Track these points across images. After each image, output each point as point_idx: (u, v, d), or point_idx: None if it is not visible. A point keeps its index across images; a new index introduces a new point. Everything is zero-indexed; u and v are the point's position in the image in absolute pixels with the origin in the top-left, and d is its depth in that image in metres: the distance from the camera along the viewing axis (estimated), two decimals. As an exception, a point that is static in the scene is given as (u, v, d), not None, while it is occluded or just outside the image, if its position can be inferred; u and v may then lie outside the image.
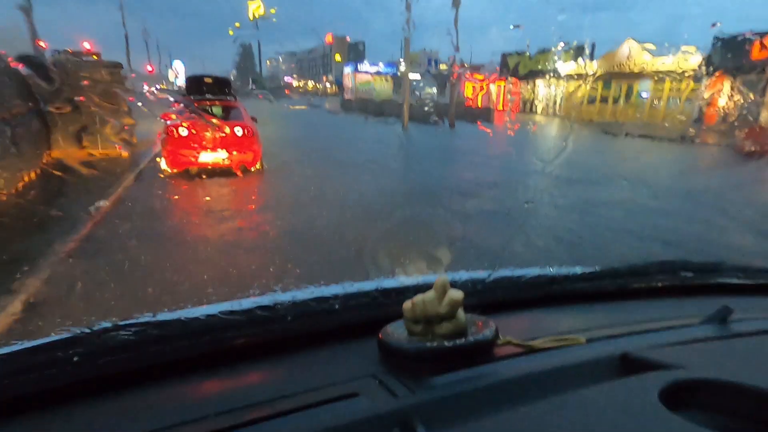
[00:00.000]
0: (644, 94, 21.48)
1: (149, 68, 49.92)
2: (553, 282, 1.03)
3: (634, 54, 21.02)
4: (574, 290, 1.04)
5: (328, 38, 76.59)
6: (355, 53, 73.12)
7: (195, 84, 8.57)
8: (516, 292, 1.00)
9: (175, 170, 7.39)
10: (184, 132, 7.37)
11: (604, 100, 23.22)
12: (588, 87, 23.92)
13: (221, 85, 8.65)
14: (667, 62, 19.96)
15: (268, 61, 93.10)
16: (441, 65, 33.92)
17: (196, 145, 7.33)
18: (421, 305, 0.70)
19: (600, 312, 1.00)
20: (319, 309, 0.81)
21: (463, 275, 0.99)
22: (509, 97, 30.97)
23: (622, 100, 22.33)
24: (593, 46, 24.46)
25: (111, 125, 8.30)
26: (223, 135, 7.46)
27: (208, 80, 8.67)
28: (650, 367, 0.64)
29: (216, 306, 0.76)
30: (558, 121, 23.76)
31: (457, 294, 0.70)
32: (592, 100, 24.07)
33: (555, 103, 26.80)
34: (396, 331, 0.73)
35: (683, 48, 19.33)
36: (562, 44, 25.30)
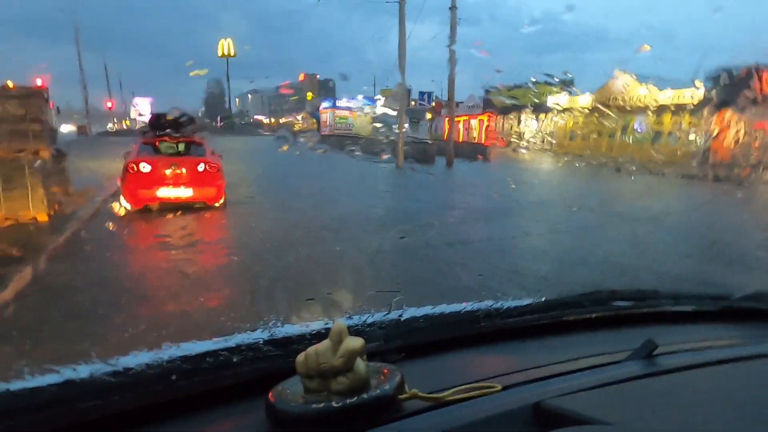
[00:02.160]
0: (640, 129, 20.61)
1: (109, 105, 47.37)
2: (477, 319, 0.94)
3: (629, 87, 20.23)
4: (501, 327, 0.97)
5: (301, 77, 76.24)
6: (326, 90, 73.03)
7: (158, 121, 8.43)
8: (434, 332, 0.91)
9: (135, 206, 7.16)
10: (145, 168, 7.23)
11: (598, 134, 22.29)
12: (582, 121, 22.99)
13: (184, 122, 8.47)
14: (666, 96, 19.17)
15: (237, 99, 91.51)
16: (435, 101, 32.62)
17: (157, 181, 7.23)
18: (314, 357, 0.62)
19: (525, 350, 0.95)
20: (211, 365, 0.69)
21: (376, 316, 0.87)
22: (499, 132, 29.98)
23: (618, 135, 21.41)
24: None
25: (24, 176, 5.92)
26: (186, 171, 7.44)
27: (171, 117, 8.52)
28: (562, 419, 0.62)
29: (90, 367, 0.64)
30: (555, 157, 22.57)
31: (354, 342, 0.63)
32: (585, 135, 23.12)
33: (543, 138, 25.83)
34: (291, 389, 0.65)
35: (680, 81, 18.59)
36: (546, 78, 24.56)
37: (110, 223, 6.64)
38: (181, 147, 8.12)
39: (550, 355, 0.89)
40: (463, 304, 0.98)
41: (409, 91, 40.96)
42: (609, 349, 0.91)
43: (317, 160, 17.72)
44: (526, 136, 27.30)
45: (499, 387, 0.71)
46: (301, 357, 0.64)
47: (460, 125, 33.91)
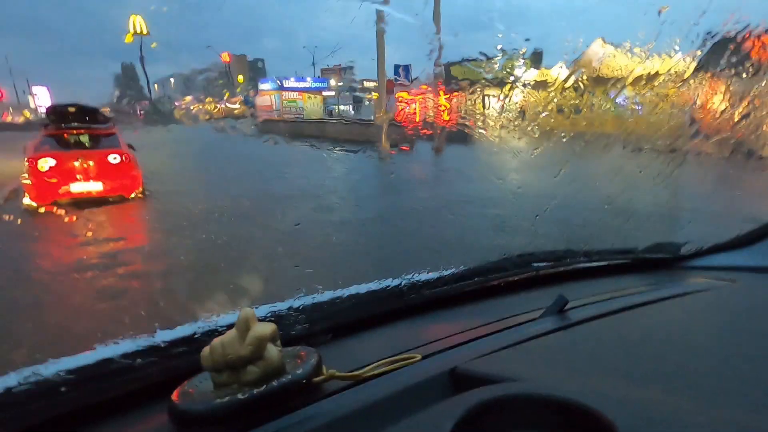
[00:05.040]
0: (622, 101, 19.62)
1: (-2, 94, 40.24)
2: (402, 293, 0.96)
3: (608, 57, 19.07)
4: (427, 298, 0.98)
5: (225, 57, 70.37)
6: (255, 71, 68.72)
7: (59, 113, 7.87)
8: (360, 311, 0.91)
9: (42, 203, 6.78)
10: (48, 163, 6.99)
11: (575, 109, 21.12)
12: (557, 96, 21.66)
13: (90, 113, 8.02)
14: (647, 65, 18.17)
15: (156, 85, 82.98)
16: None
17: (64, 176, 6.95)
18: (219, 349, 0.60)
19: (449, 318, 0.97)
20: (109, 371, 0.65)
21: (300, 300, 0.86)
22: (460, 110, 28.15)
23: (597, 109, 20.33)
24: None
25: None
26: (94, 163, 7.15)
27: (74, 108, 8.00)
28: (476, 381, 0.63)
29: None
30: (538, 135, 21.09)
31: (262, 329, 0.61)
32: (560, 110, 21.86)
33: (513, 115, 24.37)
34: (200, 386, 0.61)
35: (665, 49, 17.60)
36: (511, 51, 22.96)
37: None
38: (89, 139, 7.75)
39: (473, 321, 0.91)
40: (388, 280, 0.95)
41: (353, 69, 38.11)
42: (528, 309, 0.96)
43: (281, 155, 14.83)
44: (492, 113, 25.73)
45: (419, 357, 0.72)
46: (205, 350, 0.60)
47: (416, 104, 31.65)
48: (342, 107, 32.22)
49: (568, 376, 0.66)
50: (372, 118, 28.61)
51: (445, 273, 1.03)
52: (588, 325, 0.86)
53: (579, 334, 0.83)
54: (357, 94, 33.92)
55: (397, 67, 29.99)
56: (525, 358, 0.73)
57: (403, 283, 0.97)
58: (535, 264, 1.15)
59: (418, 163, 12.75)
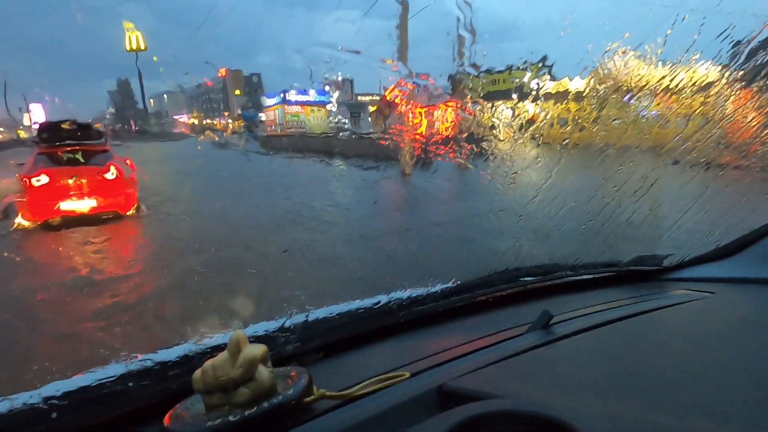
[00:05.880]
0: (644, 113, 18.79)
1: (-12, 111, 39.09)
2: (392, 311, 0.96)
3: (631, 66, 18.26)
4: (417, 315, 0.98)
5: (222, 72, 69.68)
6: (250, 86, 68.41)
7: (52, 130, 7.62)
8: (350, 329, 0.91)
9: (35, 222, 6.66)
10: (42, 180, 6.78)
11: (594, 120, 20.29)
12: (573, 107, 20.83)
13: (83, 130, 7.77)
14: (672, 74, 17.37)
15: (152, 100, 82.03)
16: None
17: (58, 194, 6.74)
18: (211, 371, 0.59)
19: (437, 335, 0.96)
20: (100, 395, 0.65)
21: (290, 320, 0.85)
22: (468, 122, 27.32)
23: (620, 121, 19.48)
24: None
25: None
26: (88, 180, 7.00)
27: (68, 125, 7.71)
28: (462, 398, 0.63)
29: None
30: (557, 147, 20.19)
31: (253, 351, 0.60)
32: (579, 121, 21.04)
33: (523, 127, 23.54)
34: (192, 408, 0.61)
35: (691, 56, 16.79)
36: (523, 63, 22.19)
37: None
38: (82, 156, 7.59)
39: (461, 337, 0.90)
40: (378, 297, 0.95)
41: (351, 82, 37.38)
42: (515, 323, 0.94)
43: (298, 172, 13.76)
44: (502, 125, 24.89)
45: (408, 374, 0.71)
46: (197, 373, 0.60)
47: (421, 116, 30.80)
48: (343, 120, 31.64)
49: (551, 391, 0.66)
50: (370, 131, 27.78)
51: (434, 289, 1.03)
52: (571, 340, 0.86)
53: (563, 348, 0.83)
54: (354, 110, 33.35)
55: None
56: (510, 374, 0.73)
57: (392, 301, 0.96)
58: (523, 278, 1.15)
59: (447, 179, 11.68)
